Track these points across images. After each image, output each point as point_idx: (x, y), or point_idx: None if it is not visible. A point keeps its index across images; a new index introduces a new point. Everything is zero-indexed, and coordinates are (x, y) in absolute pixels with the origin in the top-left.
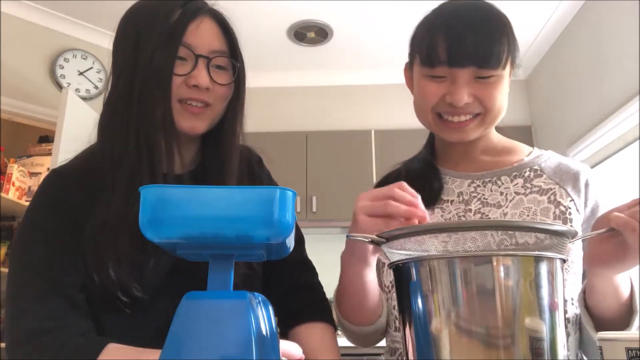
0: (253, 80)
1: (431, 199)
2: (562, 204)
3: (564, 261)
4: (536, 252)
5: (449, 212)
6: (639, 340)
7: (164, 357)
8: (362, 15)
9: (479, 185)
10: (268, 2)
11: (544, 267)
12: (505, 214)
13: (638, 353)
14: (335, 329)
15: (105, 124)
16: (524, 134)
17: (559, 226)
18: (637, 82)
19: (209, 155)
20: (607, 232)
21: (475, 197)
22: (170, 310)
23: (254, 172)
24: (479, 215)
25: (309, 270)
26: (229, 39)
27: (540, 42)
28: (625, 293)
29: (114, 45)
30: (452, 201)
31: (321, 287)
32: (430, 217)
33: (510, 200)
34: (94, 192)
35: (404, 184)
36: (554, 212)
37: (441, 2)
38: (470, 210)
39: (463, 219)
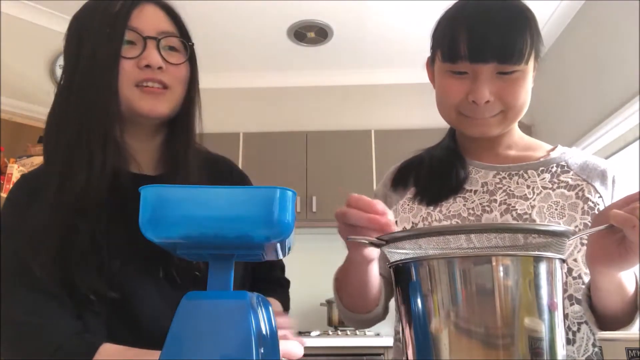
0: (253, 80)
1: (455, 188)
2: (590, 200)
3: (563, 261)
4: (536, 252)
5: (472, 202)
6: (639, 340)
7: (164, 357)
8: (362, 15)
9: (504, 177)
10: (268, 2)
11: (543, 267)
12: (532, 207)
13: (638, 353)
14: (287, 310)
15: (46, 124)
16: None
17: (557, 226)
18: (637, 82)
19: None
20: (606, 228)
21: (500, 188)
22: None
23: (223, 174)
24: (505, 206)
25: (279, 266)
26: (176, 21)
27: None
28: (630, 290)
29: (63, 51)
30: (475, 191)
31: (285, 280)
32: (451, 206)
33: (538, 194)
34: None
35: (354, 199)
36: (582, 208)
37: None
38: (495, 200)
39: (487, 209)
